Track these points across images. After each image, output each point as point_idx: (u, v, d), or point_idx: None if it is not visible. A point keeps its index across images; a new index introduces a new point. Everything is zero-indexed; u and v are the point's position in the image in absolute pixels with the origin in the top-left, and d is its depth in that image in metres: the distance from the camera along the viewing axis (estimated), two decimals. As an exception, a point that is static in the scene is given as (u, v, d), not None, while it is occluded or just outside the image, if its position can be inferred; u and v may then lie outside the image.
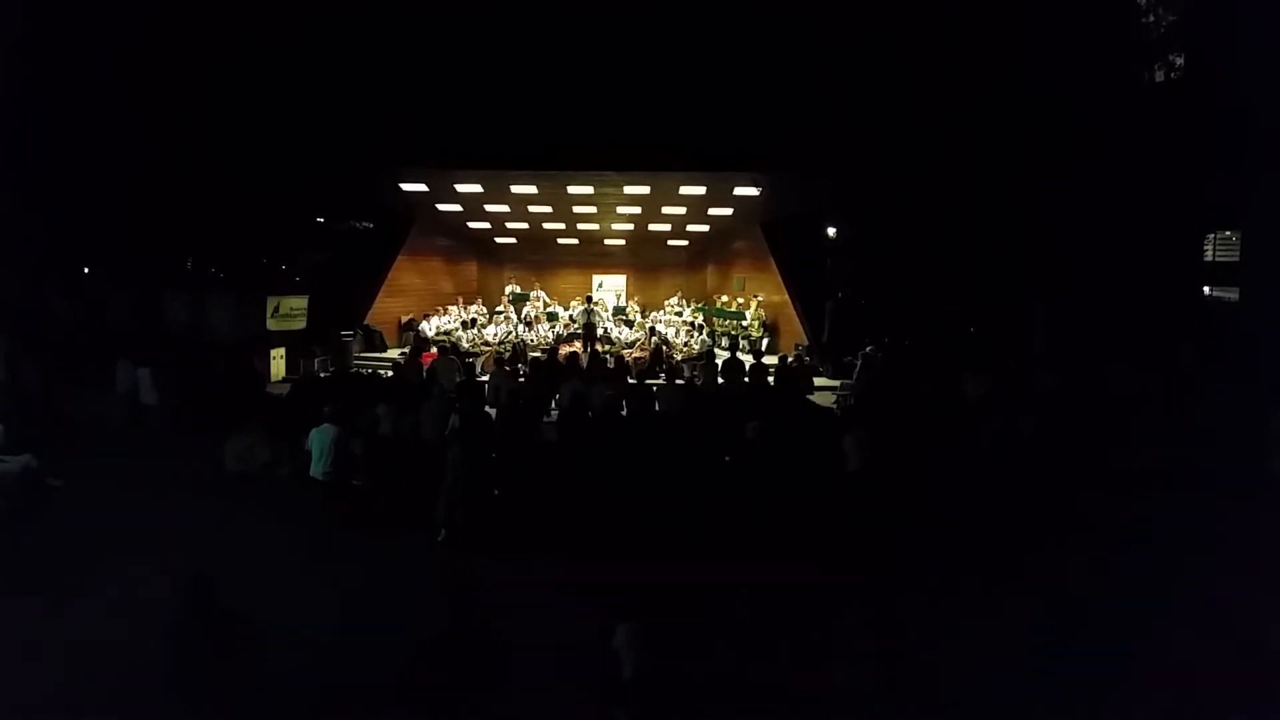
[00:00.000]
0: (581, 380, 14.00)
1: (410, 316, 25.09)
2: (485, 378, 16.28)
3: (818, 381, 19.00)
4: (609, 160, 17.47)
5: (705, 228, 25.34)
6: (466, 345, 21.91)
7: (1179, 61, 18.68)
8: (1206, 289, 19.10)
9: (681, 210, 22.71)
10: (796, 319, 22.55)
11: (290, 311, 21.26)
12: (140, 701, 5.76)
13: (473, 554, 9.54)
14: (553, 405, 13.72)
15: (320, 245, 25.74)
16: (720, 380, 15.97)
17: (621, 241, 27.96)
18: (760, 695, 6.28)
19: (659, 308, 26.41)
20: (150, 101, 19.46)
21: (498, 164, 18.14)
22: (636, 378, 18.33)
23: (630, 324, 24.45)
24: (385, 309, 24.50)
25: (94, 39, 19.30)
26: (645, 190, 20.12)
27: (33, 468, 10.14)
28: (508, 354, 21.14)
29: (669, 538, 9.55)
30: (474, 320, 24.01)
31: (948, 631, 7.39)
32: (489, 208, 23.05)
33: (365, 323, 23.52)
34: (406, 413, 11.65)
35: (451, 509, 9.94)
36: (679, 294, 27.10)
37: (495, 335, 23.23)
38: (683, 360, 21.11)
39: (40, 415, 13.19)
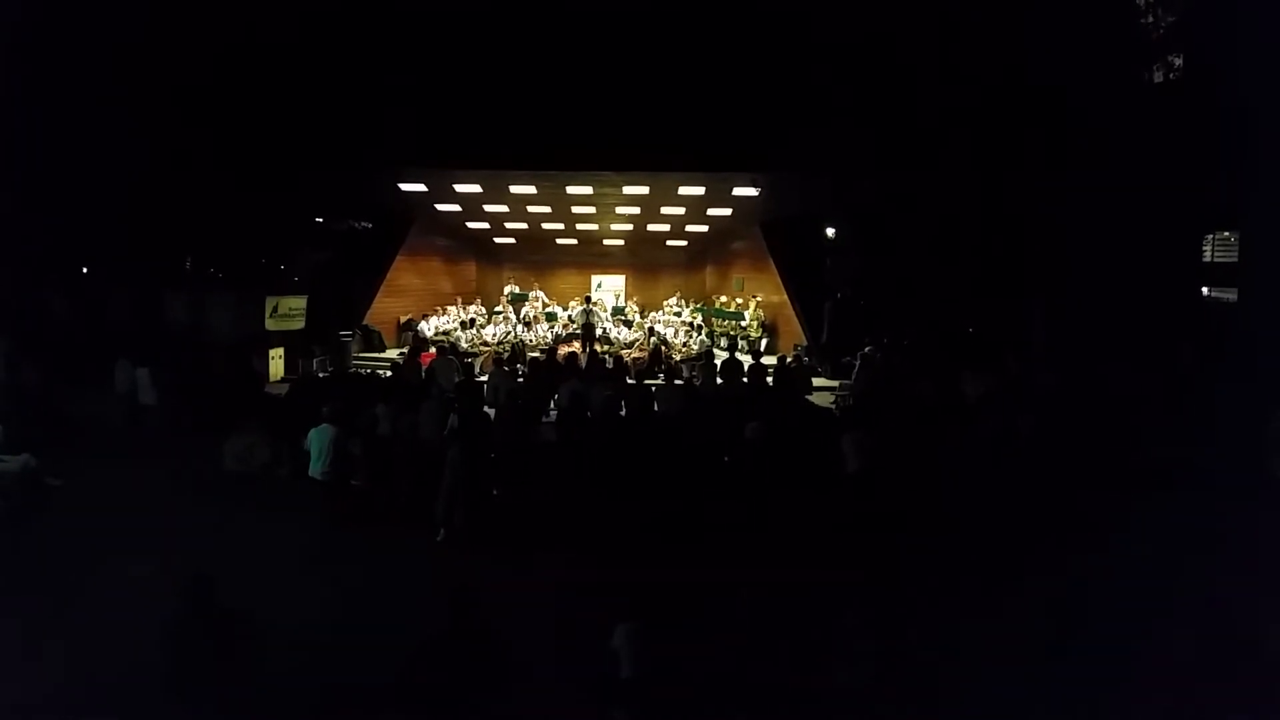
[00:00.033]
0: (580, 380, 14.00)
1: (409, 317, 25.09)
2: (484, 378, 16.28)
3: (817, 382, 19.01)
4: (608, 160, 17.46)
5: (704, 228, 25.34)
6: (465, 345, 21.91)
7: (1178, 62, 18.69)
8: (1205, 289, 19.11)
9: (680, 210, 22.71)
10: (795, 319, 22.55)
11: (289, 311, 21.25)
12: (140, 701, 5.76)
13: (472, 554, 9.54)
14: (551, 405, 13.71)
15: (319, 245, 25.71)
16: (719, 380, 15.97)
17: (620, 242, 27.96)
18: (760, 695, 6.28)
19: (658, 308, 26.42)
20: (150, 101, 19.43)
21: (497, 164, 18.13)
22: (635, 378, 18.34)
23: (629, 324, 24.46)
24: (384, 309, 24.50)
25: (94, 39, 19.28)
26: (644, 190, 20.11)
27: (32, 467, 10.15)
28: (506, 354, 21.15)
29: (668, 538, 9.54)
30: (473, 320, 24.02)
31: (948, 631, 7.40)
32: (488, 208, 23.04)
33: (364, 323, 23.52)
34: (405, 413, 11.65)
35: (450, 509, 9.94)
36: (678, 294, 27.10)
37: (494, 335, 23.24)
38: (681, 360, 21.12)
39: (39, 415, 13.19)
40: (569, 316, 24.13)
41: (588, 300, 23.65)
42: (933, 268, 21.93)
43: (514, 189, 20.43)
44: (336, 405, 10.71)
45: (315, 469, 10.38)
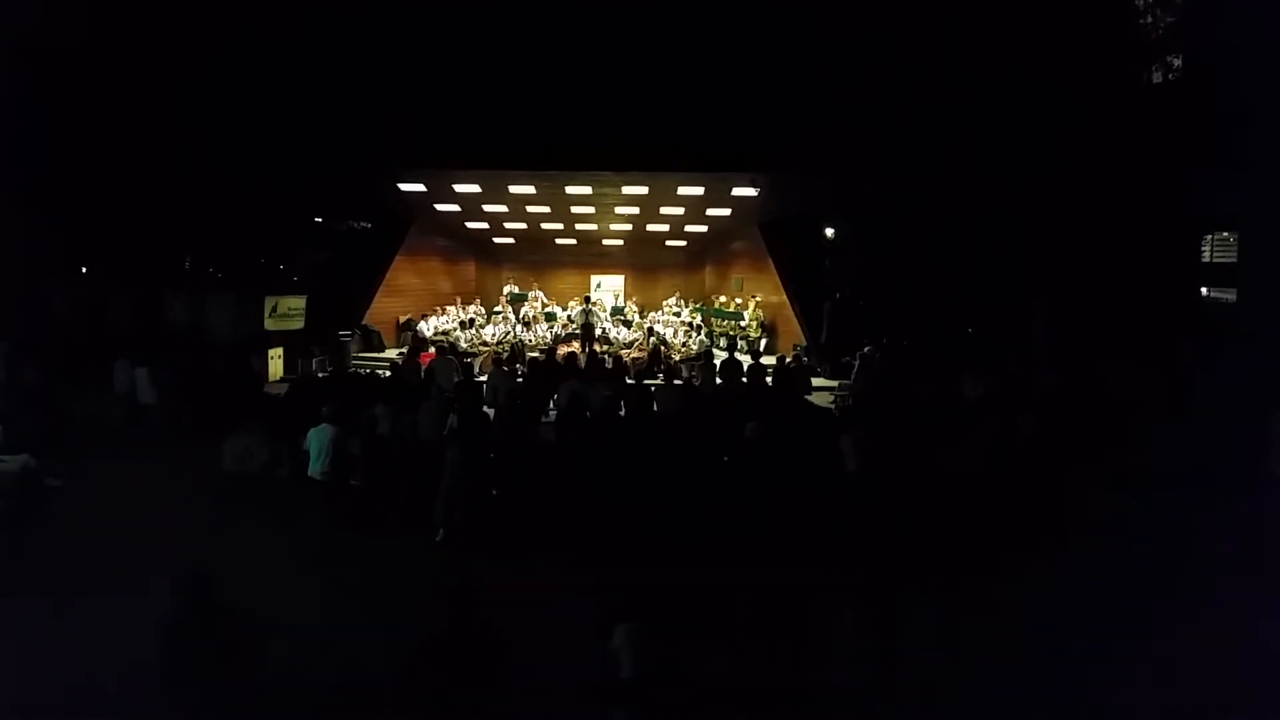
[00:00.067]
0: (579, 380, 13.99)
1: (408, 316, 25.08)
2: (483, 378, 16.28)
3: (816, 382, 19.02)
4: (607, 160, 17.46)
5: (703, 228, 25.33)
6: (465, 345, 21.90)
7: (1177, 62, 18.69)
8: (1204, 290, 19.11)
9: (680, 211, 22.70)
10: (795, 319, 22.55)
11: (288, 311, 21.26)
12: (140, 701, 5.75)
13: (471, 554, 9.54)
14: (551, 405, 13.71)
15: (318, 245, 25.72)
16: (718, 380, 15.97)
17: (620, 242, 27.94)
18: (759, 695, 6.28)
19: (657, 308, 26.42)
20: (150, 101, 19.42)
21: (496, 164, 18.13)
22: (634, 378, 18.33)
23: (628, 324, 24.46)
24: (383, 309, 24.49)
25: (94, 39, 19.27)
26: (643, 191, 20.11)
27: (31, 467, 10.12)
28: (506, 354, 21.14)
29: (667, 538, 9.55)
30: (472, 320, 24.01)
31: (948, 631, 7.40)
32: (487, 208, 23.03)
33: (363, 323, 23.52)
34: (405, 413, 11.65)
35: (450, 509, 9.94)
36: (677, 294, 27.09)
37: (493, 335, 23.23)
38: (681, 360, 21.12)
39: (39, 415, 13.18)
40: (568, 316, 24.13)
41: (587, 300, 23.63)
42: (932, 268, 21.94)
43: (513, 189, 20.43)
44: (336, 405, 10.69)
45: (314, 469, 10.37)
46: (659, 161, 17.42)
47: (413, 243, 25.11)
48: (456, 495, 9.92)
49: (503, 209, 22.97)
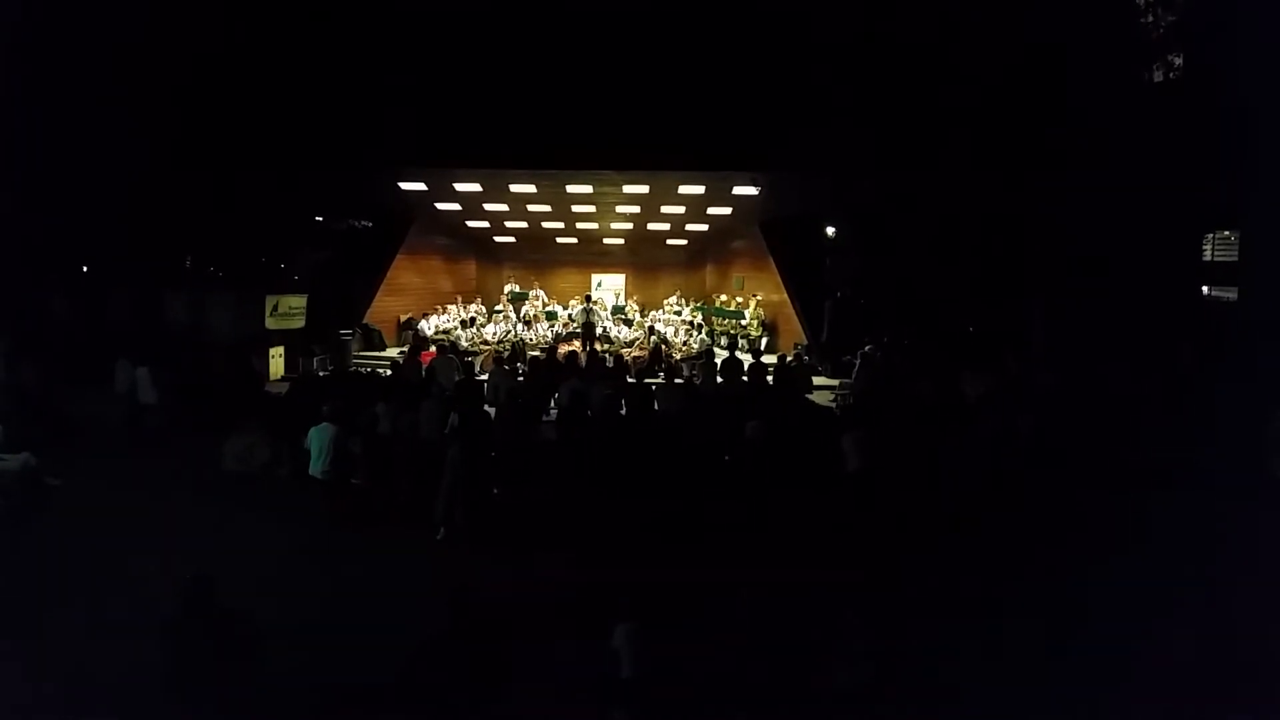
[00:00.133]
0: (580, 379, 13.99)
1: (409, 315, 25.07)
2: (484, 377, 16.27)
3: (817, 381, 19.00)
4: (608, 159, 17.46)
5: (704, 227, 25.31)
6: (465, 344, 21.89)
7: (1178, 62, 18.69)
8: (1205, 289, 19.12)
9: (680, 209, 22.69)
10: (795, 318, 22.54)
11: (289, 310, 21.26)
12: (140, 701, 5.76)
13: (472, 553, 9.55)
14: (551, 404, 13.71)
15: (319, 244, 25.70)
16: (719, 379, 15.97)
17: (620, 241, 27.92)
18: (759, 695, 6.29)
19: (658, 307, 26.39)
20: (150, 101, 19.43)
21: (497, 163, 18.13)
22: (635, 377, 18.33)
23: (629, 323, 24.45)
24: (384, 308, 24.48)
25: (94, 39, 19.27)
26: (644, 189, 20.10)
27: (31, 466, 10.15)
28: (507, 353, 21.13)
29: (668, 537, 9.56)
30: (473, 319, 24.01)
31: (948, 632, 7.40)
32: (488, 207, 23.03)
33: (364, 321, 23.50)
34: (405, 412, 11.65)
35: (450, 508, 9.94)
36: (678, 293, 27.06)
37: (494, 334, 23.22)
38: (681, 359, 21.12)
39: (39, 414, 13.19)
40: (569, 315, 24.10)
41: (588, 299, 23.62)
42: (932, 267, 21.93)
43: (514, 188, 20.43)
44: (336, 404, 10.70)
45: (315, 468, 10.38)
46: (659, 160, 17.41)
47: (413, 241, 25.10)
48: (457, 494, 9.92)
49: (503, 208, 22.96)
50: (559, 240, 27.78)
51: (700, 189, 19.82)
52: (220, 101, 18.81)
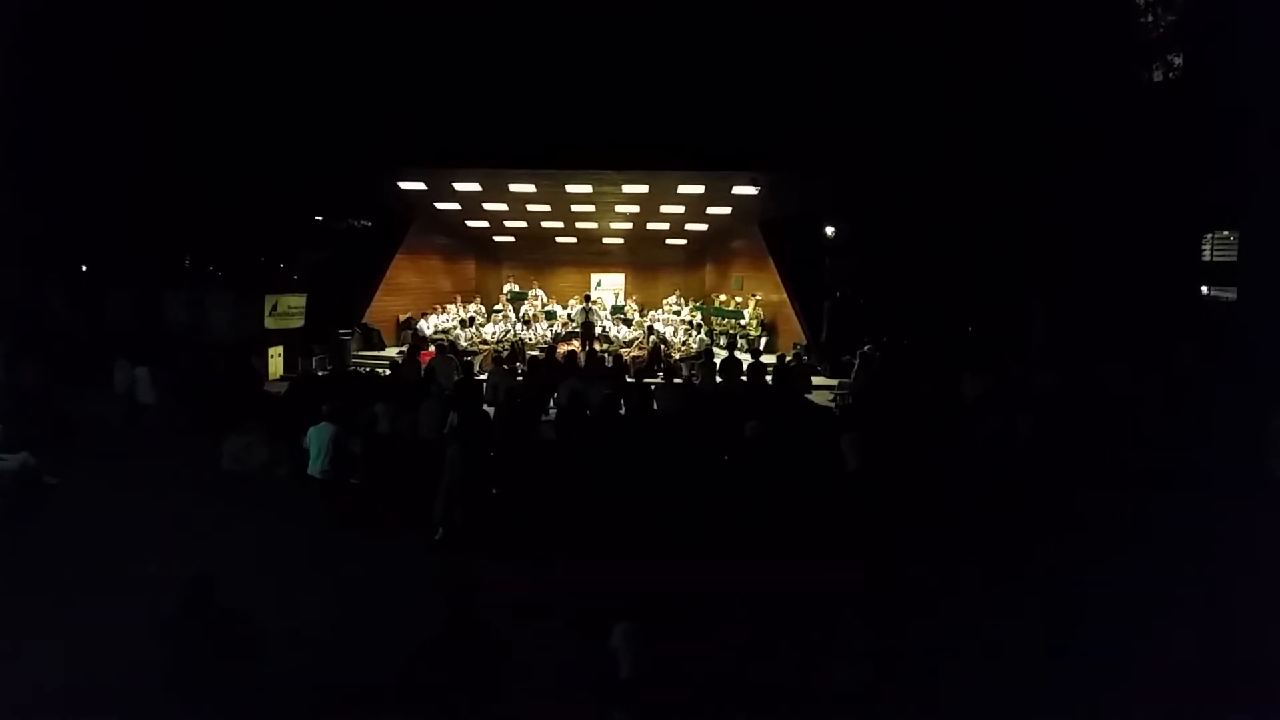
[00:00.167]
0: (579, 379, 13.99)
1: (408, 315, 25.07)
2: (483, 376, 16.27)
3: (816, 381, 19.01)
4: (608, 159, 17.46)
5: (704, 227, 25.32)
6: (465, 344, 21.89)
7: (1177, 61, 18.69)
8: (1204, 288, 19.12)
9: (680, 209, 22.70)
10: (795, 318, 22.55)
11: (288, 310, 21.26)
12: (140, 701, 5.75)
13: (471, 553, 9.54)
14: (551, 404, 13.71)
15: (319, 244, 25.71)
16: (718, 379, 15.97)
17: (620, 240, 27.93)
18: (759, 695, 6.28)
19: (657, 307, 26.41)
20: (150, 101, 19.42)
21: (496, 163, 18.14)
22: (634, 377, 18.31)
23: (628, 323, 24.45)
24: (383, 307, 24.49)
25: (94, 39, 19.26)
26: (644, 189, 20.11)
27: (30, 466, 10.13)
28: (506, 353, 21.14)
29: (667, 537, 9.55)
30: (472, 319, 24.01)
31: (947, 631, 7.40)
32: (487, 206, 23.04)
33: (363, 321, 23.52)
34: (405, 411, 11.65)
35: (449, 508, 9.94)
36: (677, 293, 27.09)
37: (493, 334, 23.22)
38: (681, 359, 21.13)
39: (38, 414, 13.17)
40: (568, 315, 24.11)
41: (587, 299, 23.62)
42: (932, 267, 21.93)
43: (513, 187, 20.44)
44: (336, 404, 10.70)
45: (314, 468, 10.38)
46: (659, 160, 17.42)
47: (413, 241, 25.11)
48: (456, 494, 9.92)
49: (503, 207, 22.97)
50: (558, 240, 27.80)
51: (700, 189, 19.82)
52: (220, 101, 18.80)
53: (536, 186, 20.31)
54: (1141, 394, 13.96)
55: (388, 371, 18.25)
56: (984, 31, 17.60)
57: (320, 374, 19.44)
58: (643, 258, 29.42)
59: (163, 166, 20.36)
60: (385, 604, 8.08)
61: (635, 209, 22.68)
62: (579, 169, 18.41)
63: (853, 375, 17.76)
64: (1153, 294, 18.09)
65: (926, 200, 20.46)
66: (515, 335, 23.06)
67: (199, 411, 14.57)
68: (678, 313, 25.31)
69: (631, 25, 16.96)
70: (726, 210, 22.44)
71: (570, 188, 20.09)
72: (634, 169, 18.32)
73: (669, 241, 28.01)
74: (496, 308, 25.47)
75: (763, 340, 23.31)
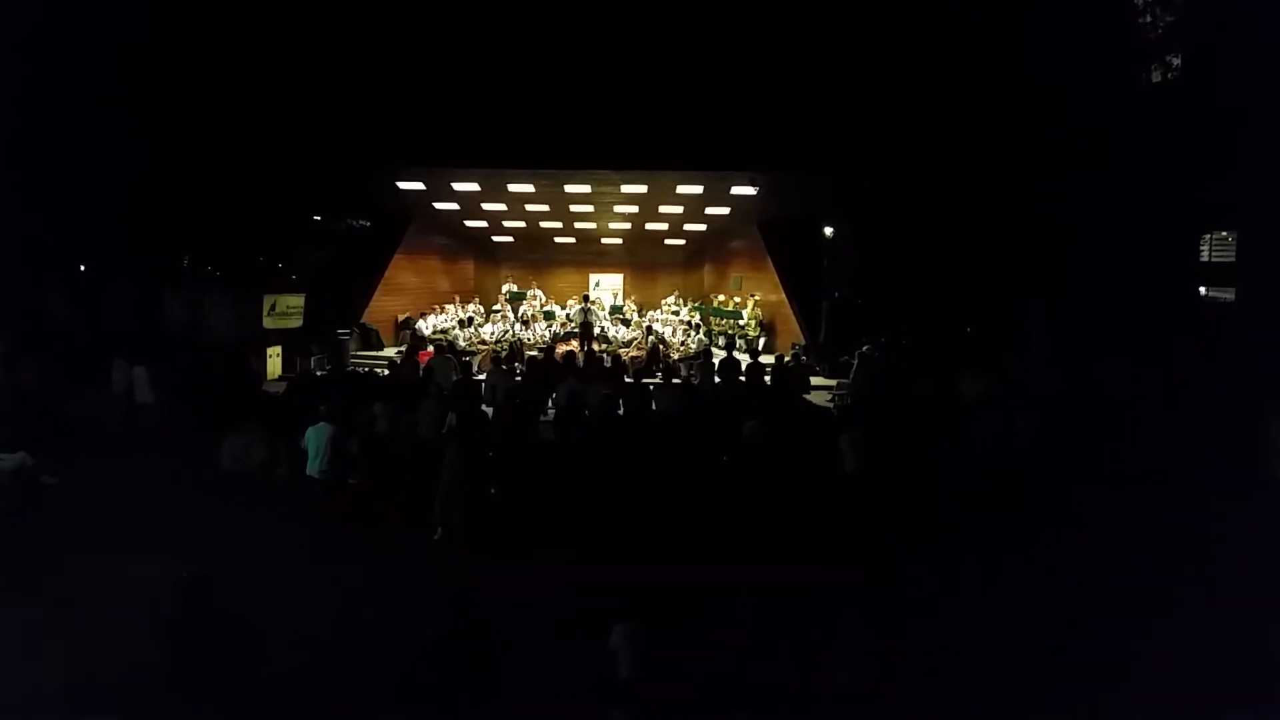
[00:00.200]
0: (578, 379, 13.98)
1: (407, 315, 25.04)
2: (482, 376, 16.25)
3: (814, 381, 19.02)
4: (607, 159, 17.45)
5: (702, 227, 25.30)
6: (463, 344, 21.88)
7: (1176, 62, 18.71)
8: (1203, 289, 19.13)
9: (679, 209, 22.68)
10: (793, 318, 22.53)
11: (287, 310, 21.23)
12: (140, 701, 5.74)
13: (470, 553, 9.54)
14: (549, 404, 13.70)
15: (317, 244, 25.72)
16: (717, 379, 15.96)
17: (618, 240, 27.91)
18: (758, 695, 6.27)
19: (656, 307, 26.39)
20: (150, 101, 19.42)
21: (495, 163, 18.12)
22: (633, 377, 18.28)
23: (627, 323, 24.44)
24: (382, 307, 24.46)
25: (94, 39, 19.25)
26: (643, 189, 20.10)
27: (28, 465, 10.10)
28: (505, 353, 21.12)
29: (666, 537, 9.55)
30: (471, 319, 23.99)
31: (947, 631, 7.40)
32: (486, 206, 23.02)
33: (362, 321, 23.49)
34: (403, 411, 11.64)
35: (448, 508, 9.94)
36: (676, 293, 27.09)
37: (492, 334, 23.21)
38: (679, 359, 21.12)
39: (36, 413, 13.17)
40: (567, 315, 24.10)
41: (586, 299, 23.60)
42: (932, 268, 21.94)
43: (512, 188, 20.43)
44: (334, 404, 10.70)
45: (313, 468, 10.38)
46: (658, 160, 17.41)
47: (411, 241, 25.09)
48: (455, 494, 9.92)
49: (502, 207, 22.95)
50: (557, 240, 27.77)
51: (699, 189, 19.82)
52: (219, 101, 18.79)
53: (535, 186, 20.30)
54: (1141, 394, 13.96)
55: (386, 372, 18.24)
56: (984, 31, 17.61)
57: (319, 374, 19.42)
58: (641, 258, 29.38)
59: (162, 166, 20.36)
60: (385, 604, 8.08)
61: (634, 209, 22.67)
62: (578, 169, 18.40)
63: (851, 375, 17.74)
64: (1152, 294, 18.10)
65: (926, 200, 20.46)
66: (514, 335, 23.05)
67: (198, 411, 14.57)
68: (676, 313, 25.31)
69: (630, 25, 16.95)
70: (725, 210, 22.43)
71: (569, 188, 20.09)
72: (633, 169, 18.31)
73: (668, 242, 27.99)
74: (495, 308, 25.46)
75: (761, 340, 23.33)
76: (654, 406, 13.16)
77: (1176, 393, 13.79)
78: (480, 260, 29.76)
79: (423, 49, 17.45)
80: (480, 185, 20.47)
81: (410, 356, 16.92)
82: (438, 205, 22.79)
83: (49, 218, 21.74)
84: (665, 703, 5.52)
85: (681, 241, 28.02)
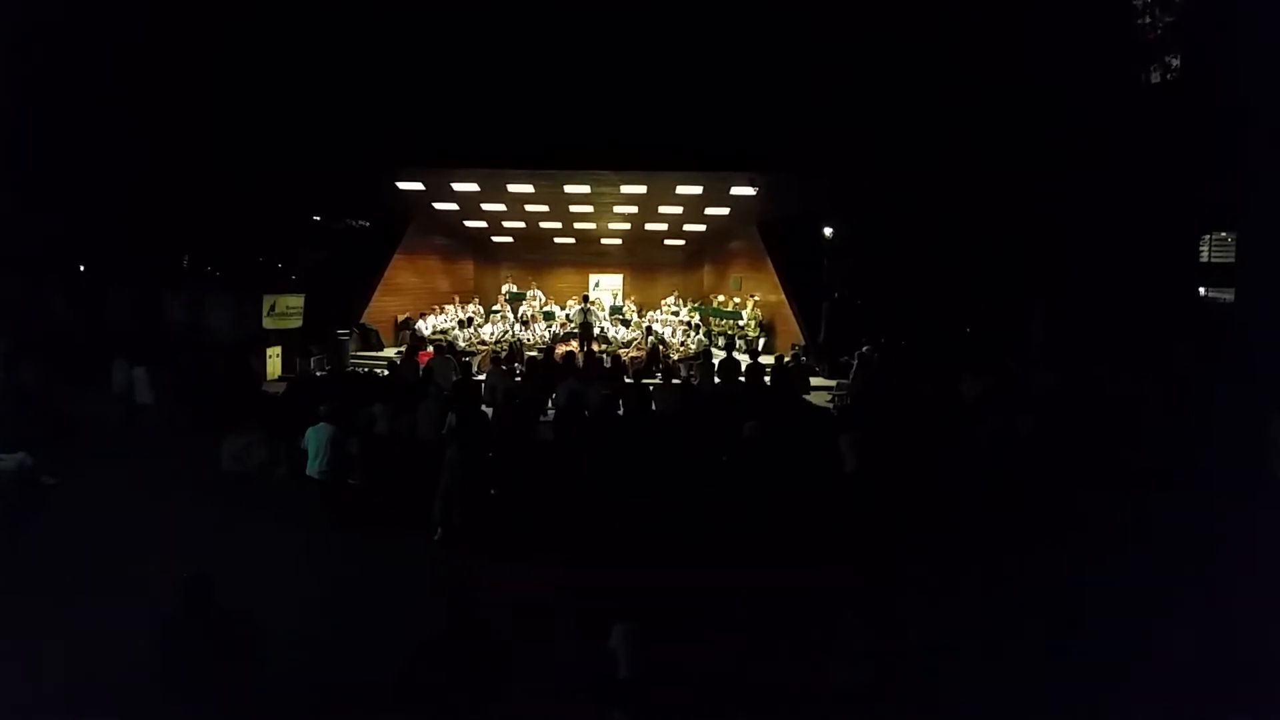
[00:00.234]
0: (578, 380, 13.97)
1: (407, 315, 25.03)
2: (481, 377, 16.25)
3: (814, 381, 19.02)
4: (606, 159, 17.44)
5: (702, 227, 25.31)
6: (463, 344, 21.88)
7: (1175, 63, 18.72)
8: (1202, 290, 19.14)
9: (678, 210, 22.68)
10: (793, 319, 22.52)
11: (286, 310, 21.22)
12: (140, 701, 5.74)
13: (469, 553, 9.52)
14: (549, 405, 13.70)
15: (317, 244, 25.69)
16: (717, 380, 15.95)
17: (618, 241, 27.91)
18: (757, 695, 6.27)
19: (655, 307, 26.41)
20: (150, 101, 19.42)
21: (495, 163, 18.11)
22: (633, 377, 18.27)
23: (627, 323, 24.44)
24: (381, 308, 24.45)
25: (94, 39, 19.26)
26: (642, 190, 20.10)
27: (28, 466, 10.11)
28: (504, 353, 21.11)
29: (666, 537, 9.55)
30: (470, 319, 24.00)
31: (947, 631, 7.40)
32: (486, 207, 23.02)
33: (361, 321, 23.47)
34: (403, 412, 11.63)
35: (448, 508, 9.93)
36: (675, 293, 27.10)
37: (492, 334, 23.21)
38: (679, 360, 21.11)
39: (36, 414, 13.16)
40: (566, 316, 24.10)
41: (585, 299, 23.59)
42: (931, 268, 21.93)
43: (512, 188, 20.42)
44: (334, 404, 10.69)
45: (312, 468, 10.37)
46: (658, 161, 17.40)
47: (411, 241, 25.09)
48: (455, 494, 9.91)
49: (501, 208, 22.95)
50: (557, 240, 27.78)
51: (698, 189, 19.81)
52: (219, 102, 18.79)
53: (535, 187, 20.29)
54: (1141, 394, 13.97)
55: (386, 372, 18.23)
56: (984, 31, 17.61)
57: (318, 374, 19.42)
58: (641, 258, 29.38)
59: (162, 167, 20.35)
60: (385, 604, 8.07)
61: (634, 210, 22.67)
62: (577, 169, 18.39)
63: (851, 376, 17.73)
64: (1152, 294, 18.11)
65: (925, 200, 20.45)
66: (513, 336, 23.06)
67: (197, 412, 14.56)
68: (676, 313, 25.31)
69: (630, 25, 16.95)
70: (725, 211, 22.43)
71: (569, 188, 20.08)
72: (632, 169, 18.31)
73: (667, 242, 27.99)
74: (495, 308, 25.46)
75: (761, 341, 23.33)
76: (654, 407, 13.15)
77: (1176, 393, 13.80)
78: (480, 260, 29.76)
79: (422, 49, 17.45)
80: (480, 185, 20.46)
81: (410, 357, 16.91)
82: (437, 205, 22.79)
83: (49, 218, 21.73)
84: (665, 703, 5.52)
85: (681, 242, 28.03)
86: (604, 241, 27.91)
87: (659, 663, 5.56)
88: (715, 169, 17.90)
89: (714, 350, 21.72)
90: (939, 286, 21.94)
